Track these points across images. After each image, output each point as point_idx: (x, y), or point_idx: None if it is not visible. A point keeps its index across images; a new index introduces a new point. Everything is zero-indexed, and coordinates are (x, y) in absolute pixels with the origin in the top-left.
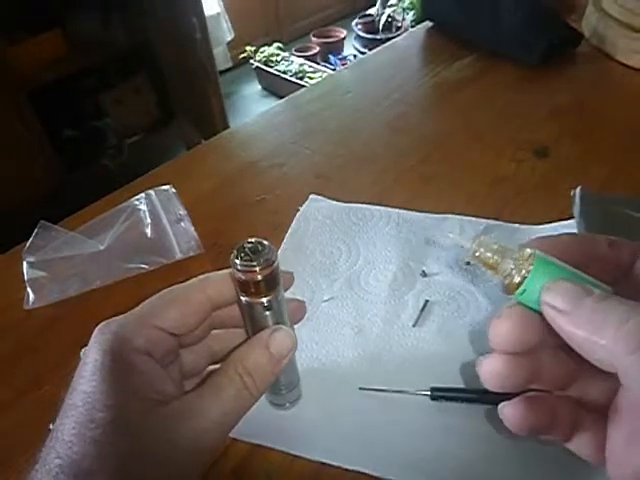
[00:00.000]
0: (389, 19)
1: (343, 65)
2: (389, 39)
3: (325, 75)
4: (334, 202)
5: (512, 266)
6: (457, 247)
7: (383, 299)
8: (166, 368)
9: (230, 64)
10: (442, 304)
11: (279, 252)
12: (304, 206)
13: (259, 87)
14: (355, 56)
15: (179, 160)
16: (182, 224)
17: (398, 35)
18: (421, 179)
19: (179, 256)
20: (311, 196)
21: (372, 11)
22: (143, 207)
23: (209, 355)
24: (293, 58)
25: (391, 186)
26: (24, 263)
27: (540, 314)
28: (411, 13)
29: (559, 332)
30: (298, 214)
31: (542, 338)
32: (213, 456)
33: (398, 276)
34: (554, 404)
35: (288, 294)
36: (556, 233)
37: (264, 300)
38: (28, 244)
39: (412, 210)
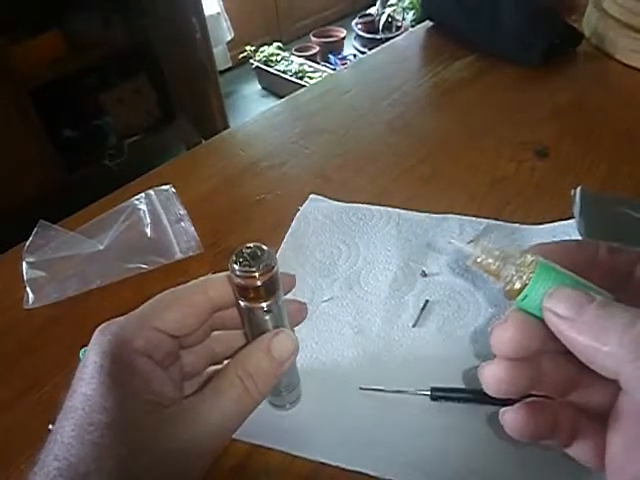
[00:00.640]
0: (389, 19)
1: (343, 65)
2: (389, 39)
3: (325, 75)
4: (334, 202)
5: (514, 272)
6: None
7: (383, 299)
8: (166, 370)
9: (230, 64)
10: (442, 304)
11: (279, 252)
12: (304, 206)
13: (259, 87)
14: (355, 56)
15: (179, 160)
16: (182, 224)
17: (398, 35)
18: (421, 179)
19: (179, 256)
20: (311, 196)
21: (372, 11)
22: (143, 207)
23: (210, 356)
24: (293, 58)
25: (391, 186)
26: (24, 263)
27: (541, 320)
28: (411, 13)
29: (561, 339)
30: (298, 214)
31: (543, 344)
32: (213, 459)
33: (398, 276)
34: (555, 410)
35: (288, 294)
36: (556, 233)
37: (264, 305)
38: (28, 244)
39: (412, 210)
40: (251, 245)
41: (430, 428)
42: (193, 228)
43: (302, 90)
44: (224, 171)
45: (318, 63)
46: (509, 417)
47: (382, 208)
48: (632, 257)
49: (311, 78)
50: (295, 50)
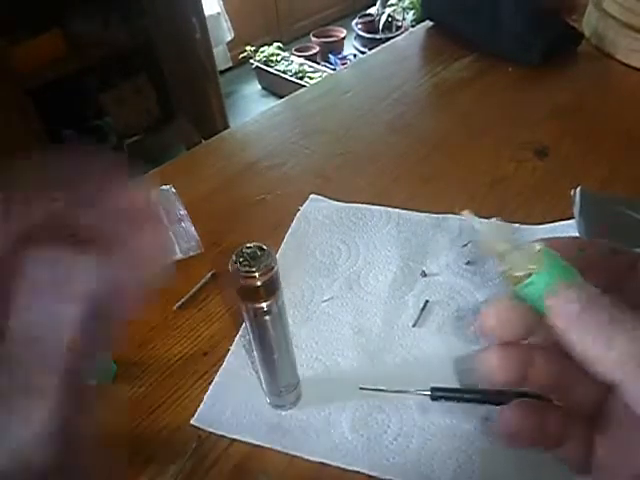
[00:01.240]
0: (389, 19)
1: (343, 65)
2: (389, 39)
3: (325, 75)
4: (334, 202)
5: (519, 257)
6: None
7: (383, 299)
8: None
9: (230, 64)
10: (442, 304)
11: (279, 252)
12: (304, 206)
13: (259, 87)
14: (355, 56)
15: (179, 160)
16: (182, 224)
17: (398, 35)
18: (421, 179)
19: (179, 256)
20: (311, 196)
21: (372, 11)
22: None
23: None
24: (293, 58)
25: (391, 186)
26: None
27: (539, 312)
28: (411, 13)
29: (559, 334)
30: (298, 214)
31: (527, 332)
32: None
33: (398, 276)
34: (544, 411)
35: (288, 294)
36: (556, 233)
37: (264, 305)
38: None
39: (412, 210)
40: (251, 245)
41: (430, 428)
42: (193, 228)
43: (302, 90)
44: (224, 171)
45: (318, 63)
46: (506, 414)
47: (382, 208)
48: (631, 258)
49: (311, 78)
50: (295, 50)
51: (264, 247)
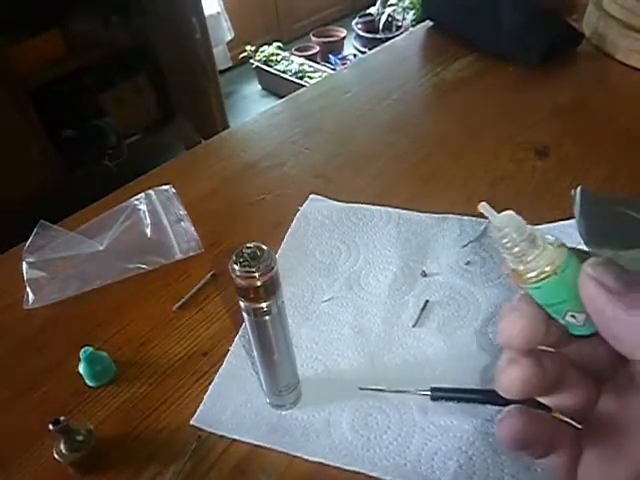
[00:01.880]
0: (389, 19)
1: (343, 65)
2: (389, 39)
3: (325, 75)
4: (334, 202)
5: (538, 256)
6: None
7: (383, 299)
8: None
9: (230, 64)
10: (442, 304)
11: (279, 252)
12: (304, 206)
13: (259, 87)
14: (355, 56)
15: (179, 160)
16: (182, 224)
17: (398, 35)
18: (421, 179)
19: (179, 256)
20: (311, 196)
21: (372, 10)
22: (143, 207)
23: None
24: (293, 58)
25: (391, 186)
26: (24, 263)
27: (553, 313)
28: (411, 13)
29: (597, 313)
30: (298, 214)
31: (541, 339)
32: None
33: (398, 276)
34: (537, 417)
35: (288, 294)
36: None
37: (264, 305)
38: (28, 244)
39: (412, 210)
40: (251, 245)
41: (430, 428)
42: (193, 228)
43: (302, 90)
44: (224, 171)
45: (318, 63)
46: (507, 423)
47: (382, 208)
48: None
49: (311, 78)
50: (295, 50)
51: (264, 247)
